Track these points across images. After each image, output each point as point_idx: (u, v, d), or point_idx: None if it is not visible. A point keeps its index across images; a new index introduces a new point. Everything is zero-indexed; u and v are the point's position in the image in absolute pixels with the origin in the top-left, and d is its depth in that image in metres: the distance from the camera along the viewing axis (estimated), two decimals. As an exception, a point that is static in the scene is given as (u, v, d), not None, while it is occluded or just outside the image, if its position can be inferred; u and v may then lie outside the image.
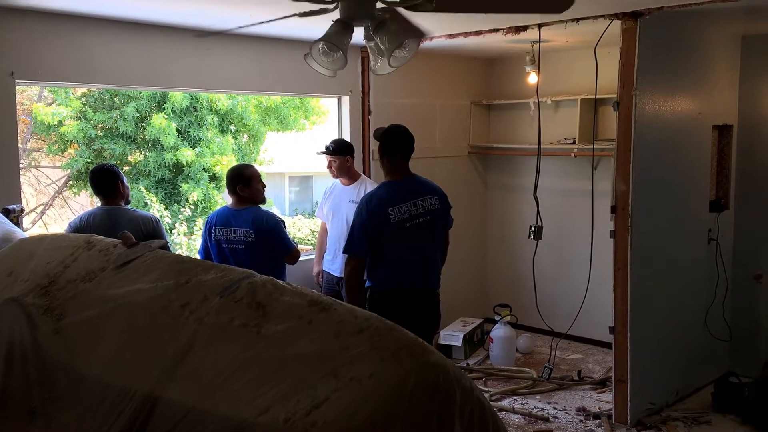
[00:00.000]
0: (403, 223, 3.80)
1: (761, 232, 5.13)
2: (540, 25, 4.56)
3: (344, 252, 3.90)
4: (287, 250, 4.19)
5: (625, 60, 4.19)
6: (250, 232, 4.08)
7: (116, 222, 3.83)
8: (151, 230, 3.87)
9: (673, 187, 4.62)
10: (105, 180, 4.00)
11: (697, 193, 4.89)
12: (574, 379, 5.18)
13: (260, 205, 4.25)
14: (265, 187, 4.30)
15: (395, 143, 3.90)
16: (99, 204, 4.09)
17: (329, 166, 4.92)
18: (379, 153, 3.95)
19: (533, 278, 5.11)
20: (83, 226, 3.91)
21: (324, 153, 4.88)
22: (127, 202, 4.10)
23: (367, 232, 3.79)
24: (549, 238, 5.29)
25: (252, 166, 4.43)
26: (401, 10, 2.85)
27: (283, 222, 4.27)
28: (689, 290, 4.83)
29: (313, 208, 15.23)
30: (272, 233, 4.11)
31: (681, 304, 4.73)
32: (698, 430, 4.31)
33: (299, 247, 4.62)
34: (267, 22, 3.26)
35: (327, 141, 5.02)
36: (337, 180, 5.04)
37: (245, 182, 4.18)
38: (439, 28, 4.81)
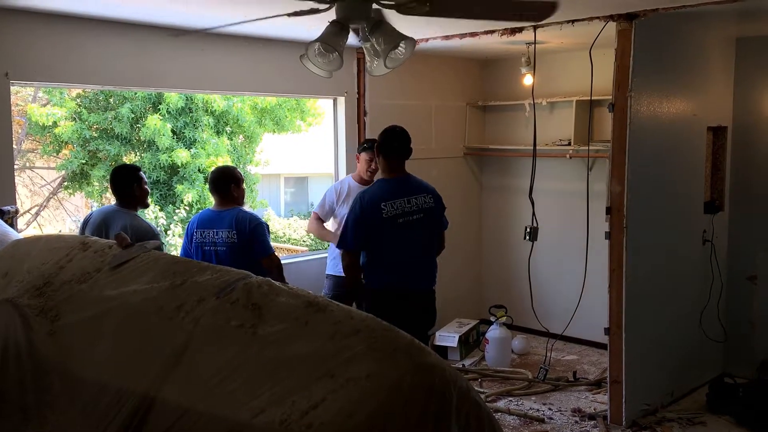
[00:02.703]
0: (395, 219, 3.84)
1: (755, 233, 5.14)
2: (535, 27, 4.57)
3: (338, 247, 3.98)
4: (265, 253, 4.09)
5: (620, 61, 4.20)
6: (232, 233, 4.03)
7: (107, 226, 3.87)
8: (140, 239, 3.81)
9: (668, 188, 4.63)
10: (111, 183, 4.05)
11: (692, 194, 4.90)
12: (569, 380, 5.19)
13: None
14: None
15: (391, 142, 3.97)
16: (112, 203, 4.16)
17: (370, 168, 4.75)
18: (376, 151, 4.02)
19: (529, 279, 5.11)
20: (84, 223, 4.04)
21: (367, 150, 4.76)
22: (144, 206, 4.10)
23: (360, 227, 3.85)
24: (544, 239, 5.30)
25: (236, 168, 4.43)
26: (392, 14, 2.85)
27: (267, 225, 4.22)
28: (684, 291, 4.84)
29: (309, 209, 15.22)
30: (254, 234, 4.05)
31: (676, 305, 4.74)
32: (693, 430, 4.32)
33: (293, 247, 4.62)
34: (256, 20, 3.24)
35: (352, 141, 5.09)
36: (348, 179, 4.94)
37: (237, 182, 4.16)
38: (434, 30, 4.81)
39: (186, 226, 4.47)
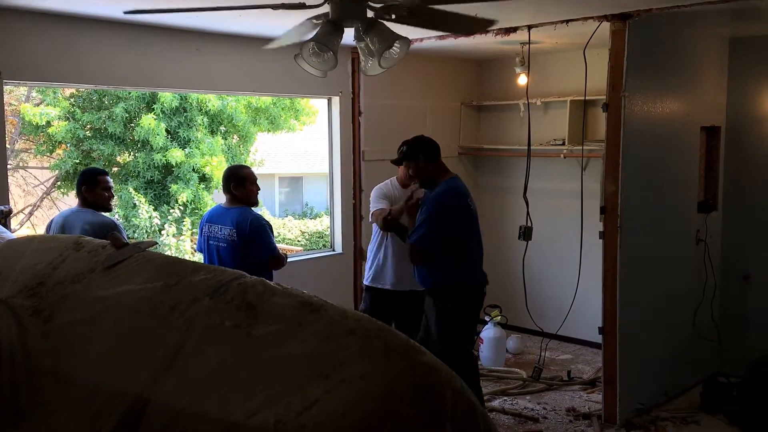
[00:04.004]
0: (475, 213, 4.06)
1: (749, 232, 5.16)
2: (530, 27, 4.57)
3: (421, 245, 3.86)
4: (269, 252, 4.13)
5: (614, 62, 4.21)
6: (233, 231, 4.09)
7: (70, 225, 3.89)
8: (102, 236, 3.77)
9: (662, 188, 4.64)
10: (78, 184, 4.06)
11: (686, 194, 4.91)
12: (563, 379, 5.20)
13: (252, 207, 4.24)
14: (258, 189, 4.31)
15: (436, 146, 4.05)
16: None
17: (409, 174, 4.15)
18: (425, 160, 3.96)
19: (523, 279, 5.11)
20: (46, 229, 4.09)
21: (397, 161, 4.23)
22: (105, 209, 4.06)
23: (449, 222, 3.89)
24: (539, 238, 5.30)
25: (248, 168, 4.45)
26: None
27: (270, 226, 4.23)
28: (678, 291, 4.85)
29: (304, 209, 15.20)
30: (254, 235, 4.07)
31: (670, 304, 4.76)
32: (687, 430, 4.33)
33: (287, 247, 4.61)
34: (243, 8, 3.20)
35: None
36: (393, 180, 4.56)
37: (238, 182, 4.20)
38: (429, 30, 4.80)
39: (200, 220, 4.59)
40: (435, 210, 3.88)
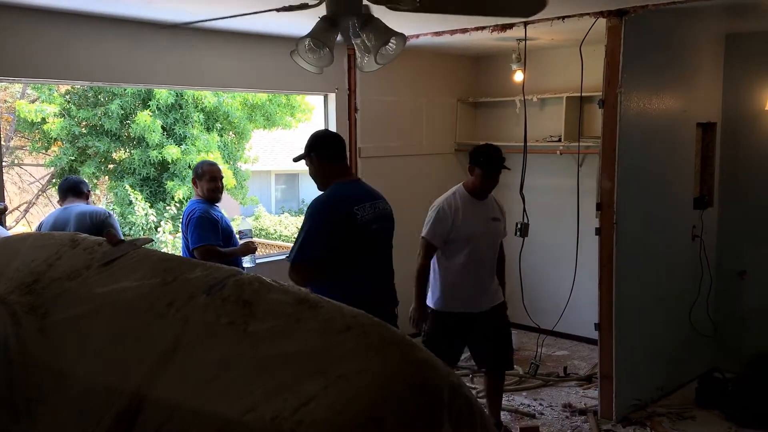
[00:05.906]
0: (369, 224, 3.26)
1: (745, 228, 5.18)
2: (526, 23, 4.58)
3: (293, 261, 3.25)
4: (192, 244, 4.18)
5: (610, 58, 4.22)
6: (182, 222, 4.38)
7: (66, 219, 4.04)
8: (99, 223, 4.00)
9: (658, 184, 4.65)
10: (66, 186, 4.31)
11: (682, 190, 4.92)
12: (560, 375, 5.21)
13: (216, 204, 4.37)
14: (216, 187, 4.33)
15: (333, 141, 3.44)
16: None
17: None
18: (316, 158, 3.34)
19: (519, 275, 5.13)
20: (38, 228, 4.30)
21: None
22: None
23: (326, 234, 3.17)
24: (535, 235, 5.32)
25: (211, 165, 4.48)
26: (381, 10, 2.84)
27: (206, 220, 4.17)
28: (674, 287, 4.86)
29: (300, 206, 15.19)
30: (189, 227, 4.24)
31: (665, 300, 4.77)
32: (683, 425, 4.34)
33: (283, 244, 4.65)
34: (243, 15, 3.23)
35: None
36: (459, 188, 4.26)
37: (198, 177, 4.37)
38: (425, 26, 4.81)
39: None
40: (306, 220, 3.22)
